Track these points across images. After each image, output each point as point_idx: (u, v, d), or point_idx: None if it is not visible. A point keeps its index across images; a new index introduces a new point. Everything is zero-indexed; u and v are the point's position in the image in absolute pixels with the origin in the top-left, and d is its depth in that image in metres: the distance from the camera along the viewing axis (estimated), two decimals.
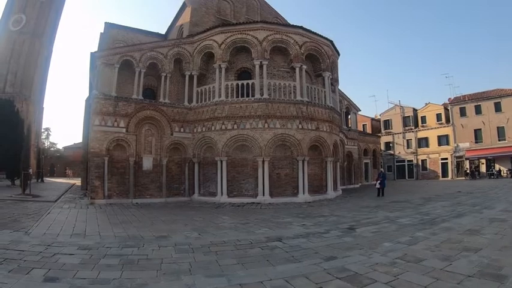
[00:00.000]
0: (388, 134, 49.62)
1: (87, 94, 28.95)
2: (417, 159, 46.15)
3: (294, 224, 10.24)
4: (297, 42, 18.84)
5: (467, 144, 41.01)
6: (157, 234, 8.52)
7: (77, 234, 8.44)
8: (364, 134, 40.13)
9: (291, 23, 21.89)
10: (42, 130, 59.58)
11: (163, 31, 29.95)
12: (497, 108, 39.20)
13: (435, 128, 44.77)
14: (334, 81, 22.43)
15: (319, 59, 20.24)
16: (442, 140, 44.06)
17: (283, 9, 73.74)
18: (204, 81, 20.17)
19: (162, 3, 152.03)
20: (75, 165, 52.42)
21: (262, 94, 17.79)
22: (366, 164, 36.55)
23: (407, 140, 47.64)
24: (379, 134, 47.32)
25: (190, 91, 19.71)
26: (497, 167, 39.31)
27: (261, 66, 18.14)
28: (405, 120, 48.21)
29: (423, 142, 46.00)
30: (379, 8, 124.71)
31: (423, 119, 46.74)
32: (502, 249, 6.17)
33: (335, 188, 20.69)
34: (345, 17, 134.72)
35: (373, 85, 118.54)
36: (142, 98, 18.67)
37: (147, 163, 18.27)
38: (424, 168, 45.69)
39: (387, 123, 50.41)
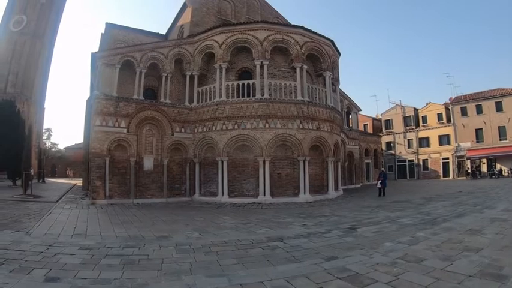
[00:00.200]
0: (389, 133, 49.61)
1: (88, 94, 28.99)
2: (418, 159, 46.13)
3: (295, 224, 10.23)
4: (297, 42, 18.84)
5: (468, 144, 40.97)
6: (158, 234, 8.53)
7: (78, 234, 8.44)
8: (365, 134, 40.13)
9: (292, 23, 21.92)
10: (44, 130, 59.63)
11: (164, 31, 30.02)
12: (499, 107, 39.17)
13: (436, 127, 44.74)
14: (335, 81, 22.42)
15: (320, 58, 20.24)
16: (443, 139, 44.03)
17: (283, 9, 73.77)
18: (204, 82, 20.18)
19: (163, 3, 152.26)
20: (76, 165, 52.46)
21: (263, 94, 17.79)
22: (367, 163, 36.57)
23: (408, 139, 47.62)
24: (380, 134, 47.27)
25: (191, 91, 19.72)
26: (498, 166, 39.25)
27: (261, 66, 18.15)
28: (406, 120, 48.19)
29: (424, 142, 45.98)
30: (379, 8, 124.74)
31: (424, 118, 46.72)
32: (503, 249, 6.15)
33: (336, 188, 20.68)
34: (345, 16, 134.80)
35: (374, 85, 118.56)
36: (143, 98, 18.69)
37: (148, 163, 18.29)
38: (425, 168, 45.67)
39: (388, 123, 50.38)
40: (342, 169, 24.70)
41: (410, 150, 46.97)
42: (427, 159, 45.43)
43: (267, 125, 17.48)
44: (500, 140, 38.73)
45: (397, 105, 49.60)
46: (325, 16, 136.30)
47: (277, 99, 17.90)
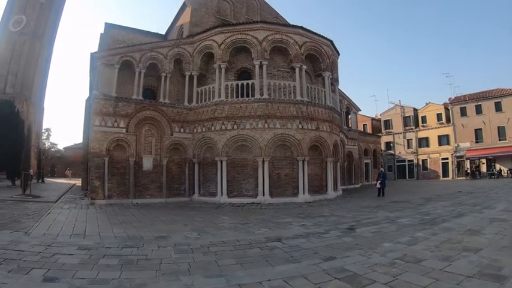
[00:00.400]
0: (388, 133, 49.60)
1: (87, 94, 28.97)
2: (418, 159, 46.13)
3: (294, 224, 10.24)
4: (296, 42, 18.84)
5: (467, 144, 40.98)
6: (157, 234, 8.53)
7: (77, 234, 8.45)
8: (365, 134, 40.12)
9: (291, 23, 21.91)
10: (43, 130, 59.57)
11: (163, 31, 30.03)
12: (498, 107, 39.16)
13: (436, 127, 44.74)
14: (334, 81, 22.43)
15: (319, 59, 20.23)
16: (443, 139, 44.03)
17: (283, 9, 73.79)
18: (204, 82, 20.17)
19: (163, 3, 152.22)
20: (75, 165, 52.35)
21: (262, 94, 17.79)
22: (367, 164, 36.54)
23: (407, 139, 47.62)
24: (380, 134, 47.26)
25: (190, 91, 19.71)
26: (497, 166, 39.26)
27: (260, 66, 18.14)
28: (405, 120, 48.19)
29: (424, 142, 45.98)
30: (378, 7, 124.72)
31: (424, 118, 46.72)
32: (503, 250, 6.16)
33: (335, 188, 20.68)
34: (345, 16, 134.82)
35: (373, 85, 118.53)
36: (143, 98, 18.68)
37: (147, 163, 18.28)
38: (425, 168, 45.67)
39: (387, 123, 50.38)
40: (341, 169, 24.70)
41: (410, 150, 46.98)
42: (426, 159, 45.43)
43: (266, 125, 17.47)
44: (499, 140, 38.73)
45: (396, 105, 49.61)
46: (325, 16, 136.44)
47: (277, 99, 17.89)
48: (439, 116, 44.87)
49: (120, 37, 25.92)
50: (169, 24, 28.89)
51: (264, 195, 17.01)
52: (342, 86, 29.64)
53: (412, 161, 46.74)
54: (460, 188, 23.40)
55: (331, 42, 21.13)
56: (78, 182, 34.55)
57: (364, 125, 50.01)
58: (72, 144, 71.42)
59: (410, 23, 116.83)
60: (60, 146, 75.65)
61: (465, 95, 43.02)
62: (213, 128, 18.22)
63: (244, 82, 18.18)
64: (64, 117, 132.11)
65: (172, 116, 18.96)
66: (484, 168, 40.54)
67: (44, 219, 10.72)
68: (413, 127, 47.07)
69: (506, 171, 38.05)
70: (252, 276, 5.04)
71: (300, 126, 17.95)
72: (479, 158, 40.57)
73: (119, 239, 7.95)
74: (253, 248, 6.96)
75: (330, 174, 19.49)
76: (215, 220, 11.33)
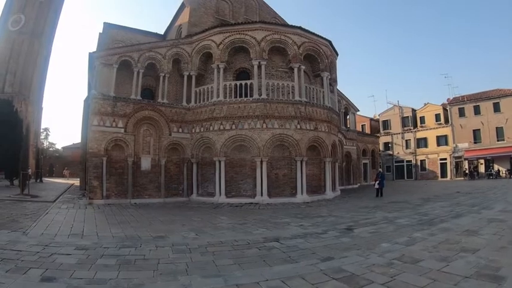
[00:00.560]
0: (387, 134, 49.66)
1: (86, 94, 28.95)
2: (416, 160, 46.19)
3: (292, 224, 10.24)
4: (295, 42, 18.85)
5: (466, 145, 41.06)
6: (154, 234, 8.53)
7: (75, 234, 8.44)
8: (363, 134, 40.18)
9: (290, 23, 21.93)
10: (41, 130, 59.52)
11: (162, 31, 29.98)
12: (496, 108, 39.26)
13: (434, 128, 44.83)
14: (333, 81, 22.44)
15: (318, 59, 20.25)
16: (441, 140, 44.10)
17: (282, 9, 73.81)
18: (202, 82, 20.17)
19: (161, 3, 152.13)
20: (74, 165, 52.27)
21: (260, 94, 17.79)
22: (365, 164, 36.58)
23: (406, 140, 47.68)
24: (378, 135, 47.34)
25: (189, 91, 19.70)
26: (496, 167, 39.32)
27: (259, 67, 18.15)
28: (404, 121, 48.25)
29: (422, 142, 46.04)
30: (378, 7, 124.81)
31: (422, 119, 46.80)
32: (500, 250, 6.16)
33: (333, 189, 20.70)
34: (344, 16, 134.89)
35: (371, 85, 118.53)
36: (141, 98, 18.66)
37: (146, 163, 18.27)
38: (423, 168, 45.72)
39: (386, 124, 50.43)
40: (339, 169, 24.73)
41: (408, 150, 47.03)
42: (424, 159, 45.49)
43: (264, 125, 17.47)
44: (497, 140, 38.80)
45: (394, 105, 49.69)
46: (323, 15, 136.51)
47: (275, 100, 17.90)
48: (437, 117, 44.96)
49: (118, 37, 25.91)
50: (168, 24, 28.86)
51: (262, 195, 17.01)
52: (341, 86, 29.57)
53: (410, 161, 46.80)
54: (458, 188, 23.44)
55: (330, 42, 21.15)
56: (76, 181, 34.53)
57: (362, 125, 50.04)
58: (71, 144, 71.29)
59: (410, 23, 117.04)
60: (59, 146, 75.73)
61: (463, 96, 43.13)
62: (211, 128, 18.22)
63: (243, 82, 18.18)
64: (62, 116, 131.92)
65: (171, 116, 18.95)
66: (482, 169, 40.62)
67: (42, 219, 10.71)
68: (412, 127, 47.13)
69: (504, 172, 38.16)
70: (250, 277, 5.04)
71: (299, 127, 17.96)
72: (478, 159, 40.65)
73: (117, 239, 7.95)
74: (251, 248, 6.96)
75: (328, 174, 19.50)
76: (213, 220, 11.33)
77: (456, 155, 42.06)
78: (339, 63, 23.04)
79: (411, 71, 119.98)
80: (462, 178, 40.02)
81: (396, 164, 48.49)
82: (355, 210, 13.65)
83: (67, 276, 5.02)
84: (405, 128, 47.77)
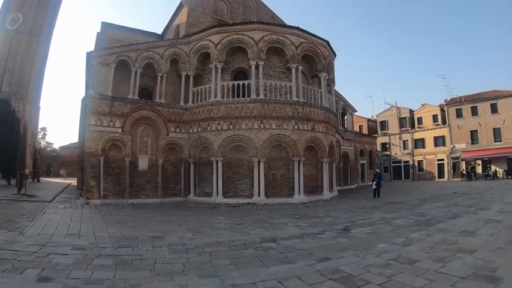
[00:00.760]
0: (384, 134, 49.72)
1: (83, 94, 28.85)
2: (413, 160, 46.25)
3: (289, 224, 10.24)
4: (293, 42, 18.86)
5: (463, 145, 41.18)
6: (151, 234, 8.51)
7: (72, 234, 8.41)
8: (361, 135, 40.22)
9: (289, 23, 21.95)
10: (39, 130, 59.19)
11: (160, 31, 29.91)
12: (494, 109, 39.42)
13: (431, 129, 44.93)
14: (330, 81, 22.46)
15: (316, 59, 20.29)
16: (438, 141, 44.20)
17: (281, 9, 73.88)
18: (200, 82, 20.16)
19: (159, 3, 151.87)
20: (71, 165, 52.18)
21: (258, 94, 17.79)
22: (362, 164, 36.63)
23: (403, 140, 47.75)
24: (376, 135, 47.34)
25: (186, 91, 19.68)
26: (493, 168, 39.42)
27: (257, 67, 18.16)
28: (401, 121, 48.33)
29: (419, 143, 46.12)
30: (378, 7, 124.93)
31: (419, 120, 46.87)
32: (497, 251, 6.18)
33: (331, 189, 20.72)
34: (344, 16, 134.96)
35: (369, 86, 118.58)
36: (138, 98, 18.65)
37: (143, 163, 18.24)
38: (420, 169, 45.80)
39: (383, 124, 50.52)
40: (337, 170, 24.74)
41: (406, 151, 47.12)
42: (422, 160, 45.57)
43: (262, 126, 17.47)
44: (495, 141, 38.95)
45: (392, 106, 49.77)
46: (321, 15, 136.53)
47: (273, 100, 17.90)
48: (435, 117, 45.05)
49: (116, 36, 25.86)
50: (166, 24, 28.80)
51: (259, 195, 17.01)
52: (338, 87, 29.67)
53: (407, 162, 46.87)
54: (455, 189, 23.50)
55: (328, 43, 21.17)
56: (73, 181, 34.43)
57: (360, 125, 50.11)
58: (68, 143, 71.08)
59: (410, 23, 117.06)
60: (56, 146, 75.37)
61: (461, 97, 43.25)
62: (208, 128, 18.20)
63: (240, 82, 18.18)
64: (60, 116, 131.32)
65: (168, 116, 18.93)
66: (479, 170, 40.71)
67: (38, 219, 10.66)
68: (409, 128, 47.23)
69: (501, 173, 38.27)
70: (246, 277, 5.04)
71: (296, 127, 17.97)
72: (475, 159, 40.77)
73: (114, 239, 7.93)
74: (248, 249, 6.96)
75: (325, 174, 19.52)
76: (210, 220, 11.32)
77: (453, 155, 42.18)
78: (337, 63, 23.10)
79: (410, 72, 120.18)
80: (459, 179, 40.10)
81: (393, 165, 48.56)
82: (352, 210, 13.66)
83: (64, 276, 5.01)
84: (403, 129, 47.85)
